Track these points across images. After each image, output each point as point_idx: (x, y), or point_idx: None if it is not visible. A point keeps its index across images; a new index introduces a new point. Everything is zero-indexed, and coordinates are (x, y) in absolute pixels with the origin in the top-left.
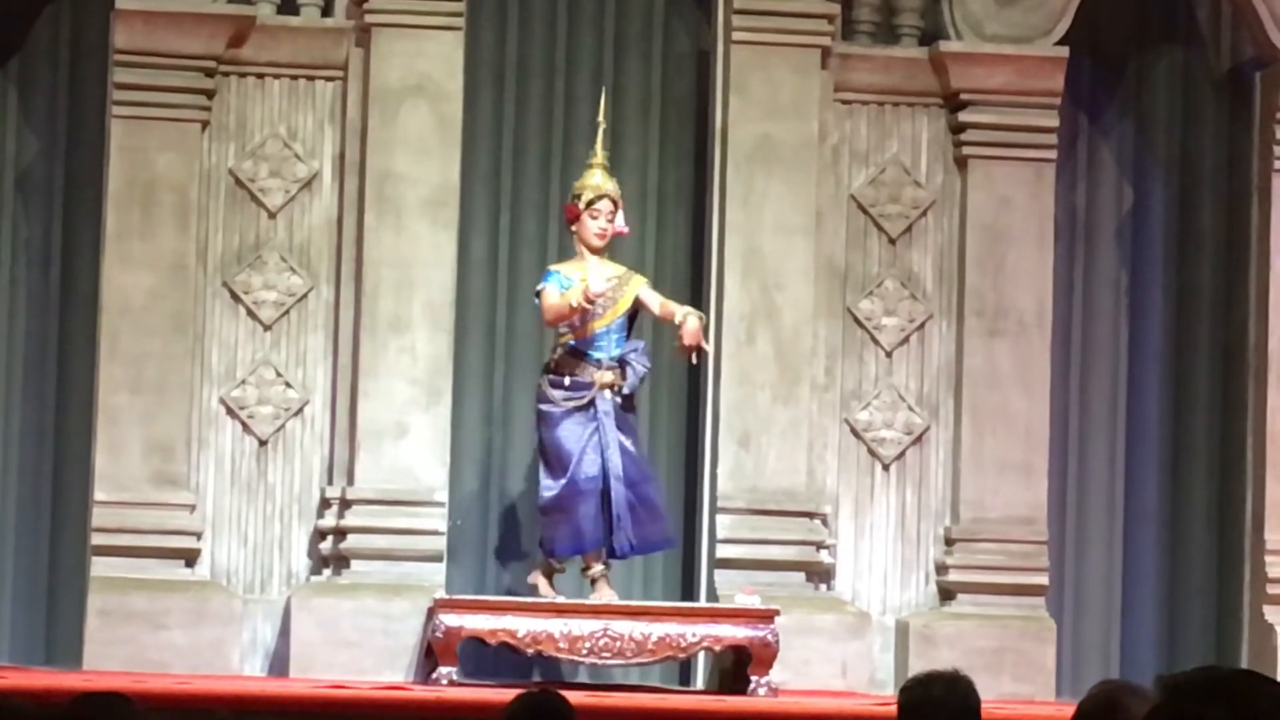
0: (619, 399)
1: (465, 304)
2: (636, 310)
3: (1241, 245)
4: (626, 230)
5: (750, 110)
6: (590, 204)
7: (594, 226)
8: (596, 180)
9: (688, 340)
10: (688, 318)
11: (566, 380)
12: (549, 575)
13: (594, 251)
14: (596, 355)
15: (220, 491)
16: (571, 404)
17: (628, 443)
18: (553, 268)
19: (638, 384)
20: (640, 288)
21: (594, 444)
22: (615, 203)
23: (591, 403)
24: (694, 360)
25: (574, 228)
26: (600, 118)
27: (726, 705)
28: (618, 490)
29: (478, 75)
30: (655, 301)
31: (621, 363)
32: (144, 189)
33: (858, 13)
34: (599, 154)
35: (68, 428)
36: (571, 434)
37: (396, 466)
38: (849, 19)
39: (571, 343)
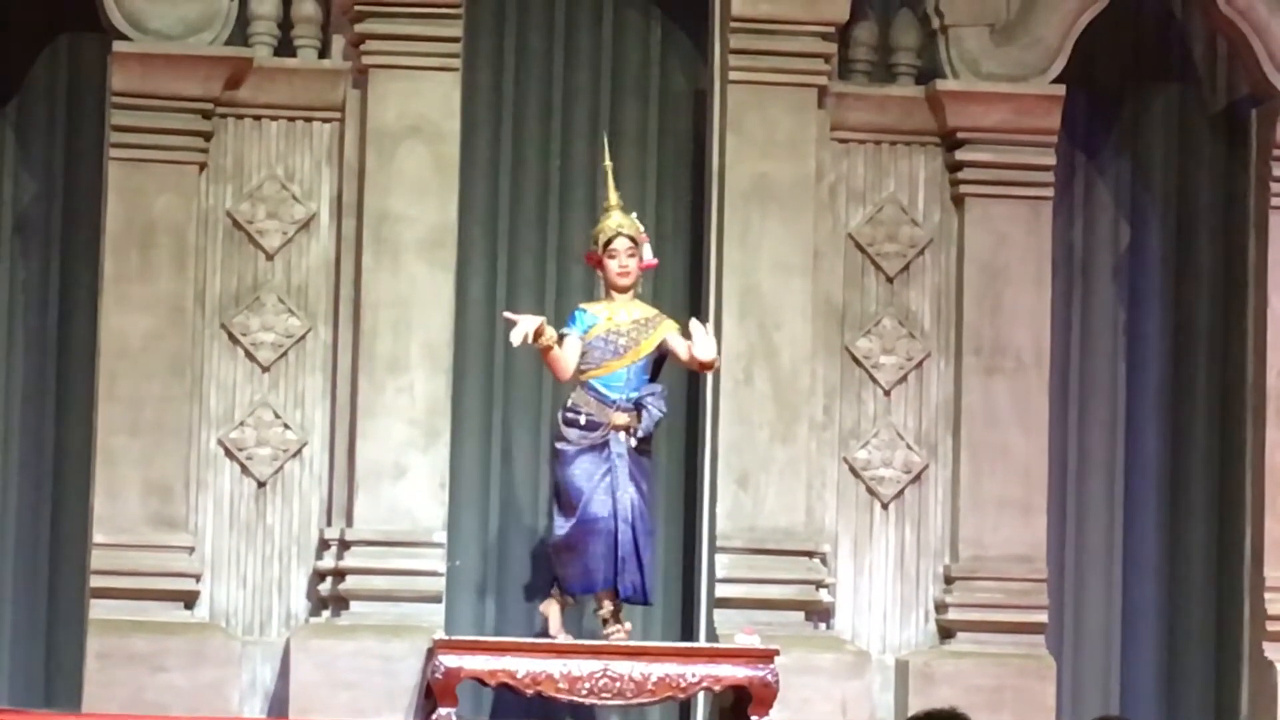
0: (634, 441)
1: (463, 344)
2: (664, 355)
3: (1239, 282)
4: (656, 262)
5: (747, 149)
6: (607, 245)
7: (614, 266)
8: (611, 221)
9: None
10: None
11: (582, 419)
12: (562, 607)
13: (620, 291)
14: (613, 395)
15: (219, 533)
16: (586, 443)
17: (642, 488)
18: (582, 306)
19: (652, 427)
20: (669, 333)
21: (605, 485)
22: (634, 240)
23: (606, 443)
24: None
25: (599, 272)
26: (605, 161)
27: None
28: (624, 533)
29: (475, 116)
30: (683, 348)
31: (638, 405)
32: (142, 231)
33: (854, 52)
34: (612, 197)
35: (66, 470)
36: (583, 473)
37: (395, 507)
38: (845, 58)
39: (589, 381)
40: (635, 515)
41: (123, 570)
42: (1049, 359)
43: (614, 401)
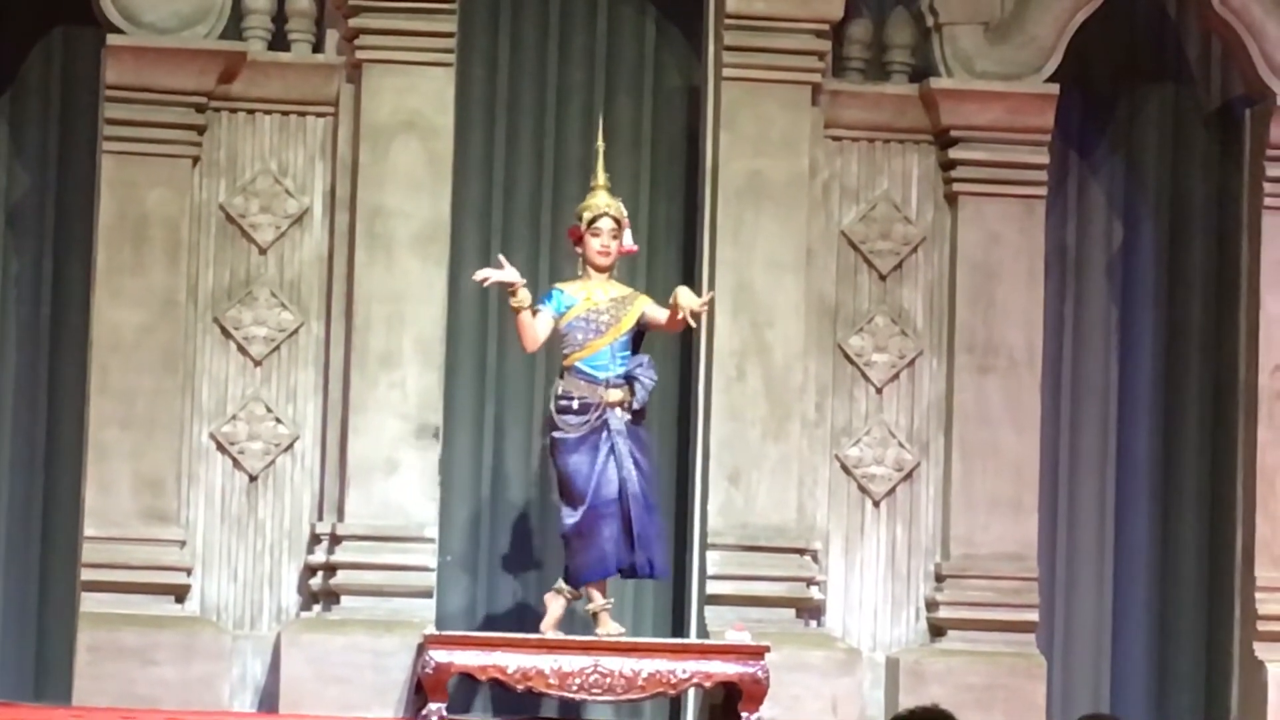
0: (629, 415)
1: (456, 339)
2: (642, 330)
3: (1231, 281)
4: (636, 248)
5: (741, 146)
6: (591, 223)
7: (596, 244)
8: (597, 200)
9: (685, 310)
10: (677, 294)
11: (575, 403)
12: (568, 600)
13: (599, 270)
14: (601, 375)
15: (210, 527)
16: (585, 428)
17: (643, 463)
18: (557, 286)
19: (647, 398)
20: (646, 305)
21: (610, 465)
22: (618, 221)
23: (604, 424)
24: (694, 322)
25: (579, 249)
26: (599, 141)
27: None
28: (637, 510)
29: (468, 111)
30: (663, 314)
31: (628, 378)
32: (135, 224)
33: (848, 49)
34: (600, 177)
35: (58, 463)
36: (585, 460)
37: (387, 502)
38: (839, 56)
39: (575, 364)
40: (641, 491)
41: (113, 564)
42: (1041, 358)
43: (603, 379)
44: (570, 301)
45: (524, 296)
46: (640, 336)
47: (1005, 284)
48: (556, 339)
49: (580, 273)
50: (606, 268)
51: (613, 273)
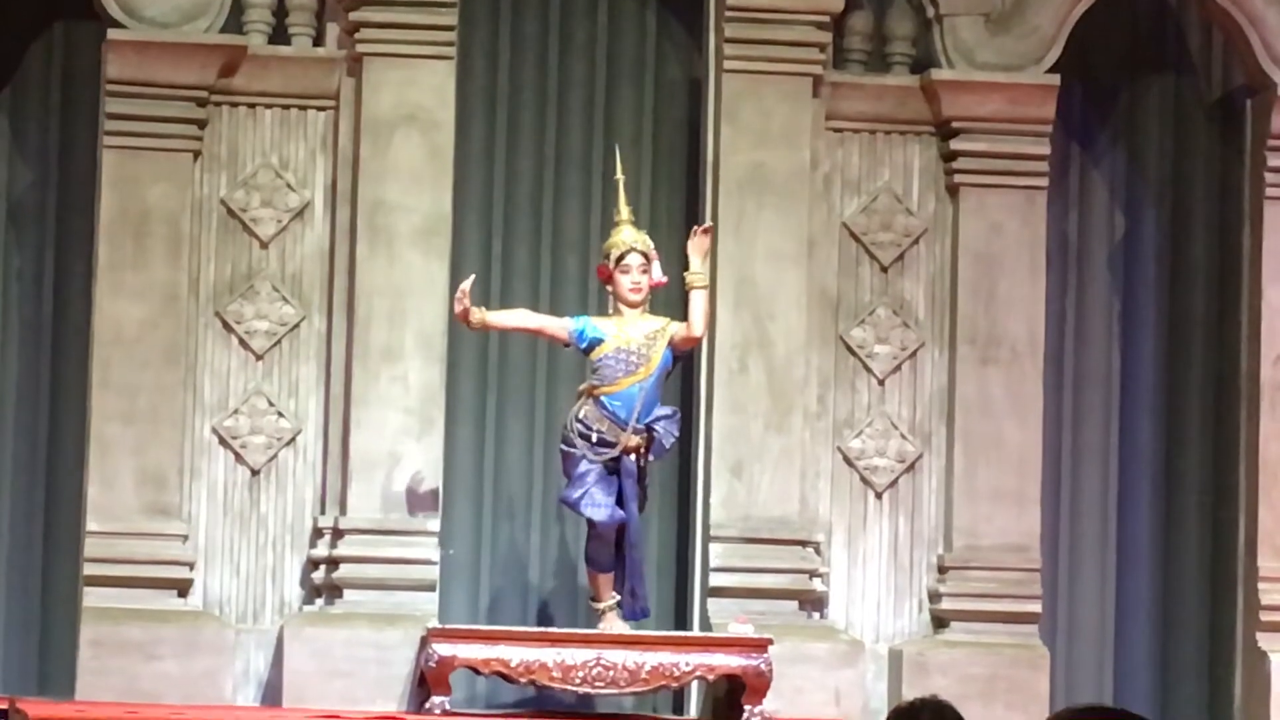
0: (643, 463)
1: (457, 333)
2: (678, 357)
3: (1234, 272)
4: (666, 280)
5: (742, 139)
6: (619, 260)
7: (626, 282)
8: (624, 236)
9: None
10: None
11: (594, 435)
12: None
13: (631, 306)
14: (625, 416)
15: (213, 521)
16: (596, 457)
17: (638, 506)
18: (594, 323)
19: (663, 454)
20: (673, 329)
21: (613, 492)
22: (646, 255)
23: (616, 459)
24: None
25: (609, 287)
26: (618, 174)
27: None
28: (633, 558)
29: (470, 104)
30: (681, 328)
31: (650, 428)
32: (136, 219)
33: (849, 41)
34: (623, 211)
35: (60, 458)
36: (587, 473)
37: (389, 496)
38: (840, 47)
39: (602, 397)
40: (635, 533)
41: (116, 558)
42: (1043, 349)
43: (626, 422)
44: (598, 335)
45: (476, 315)
46: (675, 365)
47: (1007, 275)
48: (587, 368)
49: (612, 310)
50: (639, 303)
51: (646, 307)
